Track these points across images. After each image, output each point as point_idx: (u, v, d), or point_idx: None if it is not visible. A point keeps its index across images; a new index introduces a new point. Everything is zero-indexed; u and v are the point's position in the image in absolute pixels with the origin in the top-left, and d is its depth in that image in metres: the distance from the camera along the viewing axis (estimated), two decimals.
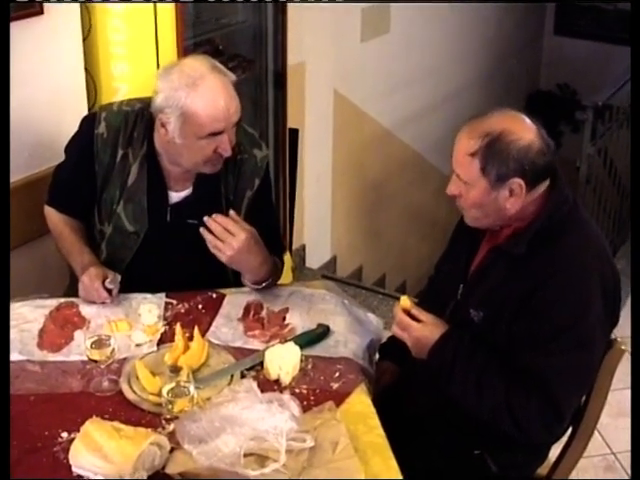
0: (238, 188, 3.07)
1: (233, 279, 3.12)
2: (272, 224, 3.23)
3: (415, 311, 2.61)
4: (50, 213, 3.19)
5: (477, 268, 2.67)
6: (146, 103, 2.98)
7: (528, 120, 2.51)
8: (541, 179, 2.50)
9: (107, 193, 3.05)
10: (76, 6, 3.53)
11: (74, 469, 2.23)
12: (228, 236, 2.79)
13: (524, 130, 2.47)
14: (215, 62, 2.93)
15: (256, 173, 3.08)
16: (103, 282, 2.91)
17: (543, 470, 2.86)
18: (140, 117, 3.01)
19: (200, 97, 2.78)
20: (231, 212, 2.85)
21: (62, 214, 3.16)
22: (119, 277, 2.93)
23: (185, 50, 3.84)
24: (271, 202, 3.27)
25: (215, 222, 2.79)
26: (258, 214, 3.08)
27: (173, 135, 2.86)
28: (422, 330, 2.59)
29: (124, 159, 3.02)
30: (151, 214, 3.04)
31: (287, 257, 5.02)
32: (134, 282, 2.98)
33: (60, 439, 2.35)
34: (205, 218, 2.79)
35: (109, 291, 2.92)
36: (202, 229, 2.79)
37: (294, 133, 5.00)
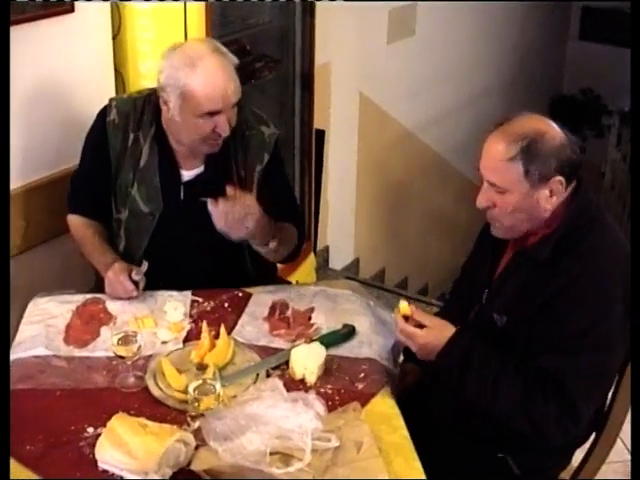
0: (248, 163, 3.08)
1: (250, 257, 3.14)
2: (287, 196, 3.22)
3: (417, 316, 2.57)
4: (73, 220, 3.21)
5: (501, 273, 2.64)
6: (154, 89, 3.01)
7: (551, 122, 2.49)
8: (575, 176, 2.48)
9: (121, 178, 3.07)
10: (106, 4, 3.54)
11: (99, 464, 2.23)
12: (244, 216, 2.78)
13: (553, 129, 2.45)
14: (219, 44, 2.96)
15: (264, 148, 3.09)
16: (129, 275, 2.92)
17: (565, 475, 2.84)
18: (148, 101, 3.05)
19: (198, 77, 2.81)
20: (228, 190, 2.81)
21: (84, 218, 3.18)
22: (145, 265, 2.92)
23: None
24: (284, 176, 3.25)
25: (236, 197, 2.79)
26: (270, 187, 3.09)
27: (173, 113, 2.89)
28: (427, 337, 2.55)
29: (135, 142, 3.05)
30: (165, 193, 3.06)
31: (311, 257, 5.02)
32: (153, 268, 2.96)
33: (86, 434, 2.35)
34: (210, 202, 2.78)
35: (136, 284, 2.92)
36: (212, 209, 2.79)
37: (320, 134, 4.98)
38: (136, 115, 3.05)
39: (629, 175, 6.22)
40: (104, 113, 3.08)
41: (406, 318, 2.58)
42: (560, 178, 2.43)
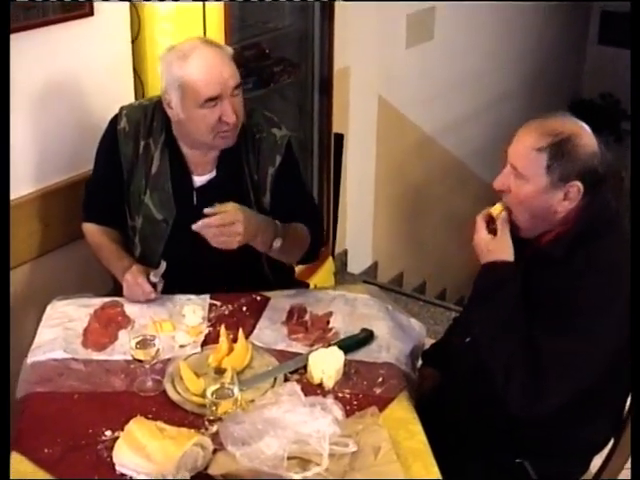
0: (260, 166, 3.06)
1: (267, 260, 3.13)
2: (301, 197, 3.19)
3: (498, 223, 2.56)
4: (88, 228, 3.22)
5: (522, 270, 2.62)
6: None
7: (589, 129, 2.48)
8: (594, 188, 2.46)
9: (134, 185, 3.07)
10: (125, 8, 3.54)
11: (117, 467, 2.22)
12: (229, 228, 2.73)
13: (590, 137, 2.45)
14: (210, 38, 3.00)
15: (276, 150, 3.06)
16: (147, 278, 2.92)
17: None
18: (158, 108, 3.04)
19: (192, 65, 2.82)
20: (205, 210, 2.75)
21: (99, 226, 3.19)
22: (164, 266, 2.91)
23: (233, 54, 3.82)
24: (298, 177, 3.21)
25: (208, 227, 2.72)
26: (284, 189, 3.08)
27: (177, 111, 2.90)
28: (487, 242, 2.56)
29: (146, 149, 3.05)
30: (177, 200, 3.05)
31: (329, 261, 5.00)
32: (170, 274, 2.96)
33: (104, 437, 2.34)
34: (194, 227, 2.72)
35: (154, 286, 2.92)
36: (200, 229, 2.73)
37: (339, 138, 4.97)
38: (146, 122, 3.05)
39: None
40: (115, 121, 3.08)
41: (491, 218, 2.58)
42: (579, 184, 2.42)
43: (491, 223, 2.59)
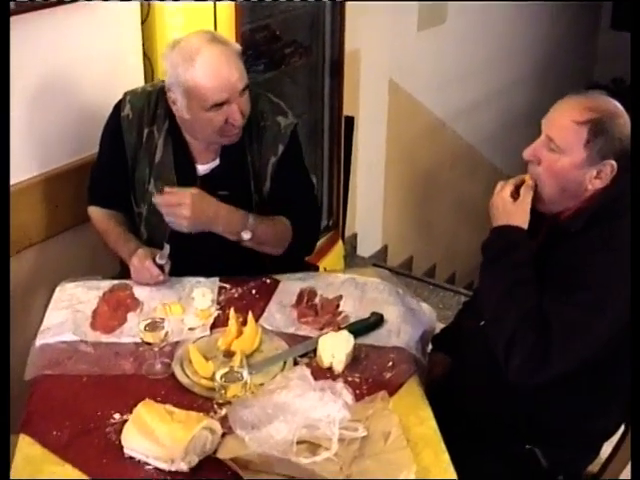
0: (262, 155, 3.04)
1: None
2: (301, 188, 3.16)
3: (523, 189, 2.54)
4: (93, 212, 3.21)
5: (539, 245, 2.59)
6: None
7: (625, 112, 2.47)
8: (625, 170, 2.44)
9: (138, 173, 3.06)
10: None
11: (126, 450, 2.22)
12: (175, 209, 2.80)
13: (627, 119, 2.43)
14: (216, 34, 2.93)
15: (279, 139, 3.04)
16: (153, 260, 2.91)
17: (594, 468, 2.80)
18: (162, 94, 3.00)
19: (198, 70, 2.77)
20: (166, 188, 2.87)
21: (105, 209, 3.18)
22: (167, 248, 2.90)
23: (242, 35, 3.81)
24: (299, 167, 3.18)
25: (160, 204, 2.83)
26: (284, 179, 3.06)
27: (182, 111, 2.87)
28: (505, 203, 2.54)
29: (150, 137, 3.03)
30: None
31: (339, 244, 5.00)
32: (177, 261, 2.96)
33: (112, 420, 2.34)
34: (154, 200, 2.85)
35: (161, 268, 2.91)
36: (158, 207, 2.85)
37: (350, 121, 4.95)
38: (150, 109, 3.03)
39: None
40: (119, 108, 3.06)
41: (518, 187, 2.56)
42: (613, 163, 2.40)
43: (515, 191, 2.56)
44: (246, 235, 2.91)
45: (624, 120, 2.42)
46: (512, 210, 2.53)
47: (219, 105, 2.80)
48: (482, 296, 2.60)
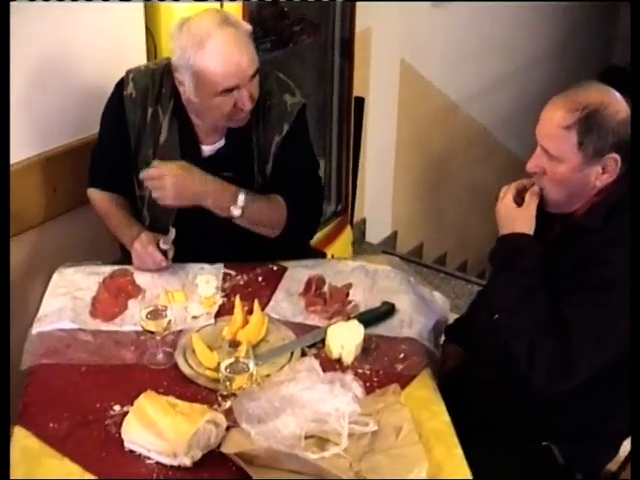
0: (266, 134, 3.02)
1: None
2: (304, 170, 3.14)
3: (528, 195, 2.53)
4: (94, 195, 3.19)
5: (550, 247, 2.58)
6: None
7: (618, 94, 2.43)
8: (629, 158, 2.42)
9: (141, 154, 3.04)
10: None
11: (126, 444, 2.21)
12: (159, 180, 2.82)
13: (619, 103, 2.40)
14: (227, 14, 2.89)
15: (285, 118, 3.02)
16: (157, 245, 2.90)
17: (613, 466, 2.79)
18: (167, 73, 2.98)
19: (208, 56, 2.75)
20: (154, 161, 2.91)
21: (106, 192, 3.16)
22: (173, 232, 2.89)
23: (250, 12, 3.78)
24: (304, 148, 3.16)
25: (145, 179, 2.87)
26: (287, 159, 3.04)
27: (189, 94, 2.86)
28: (509, 210, 2.54)
29: (154, 117, 3.02)
30: None
31: (347, 230, 4.98)
32: (181, 245, 2.95)
33: (112, 412, 2.33)
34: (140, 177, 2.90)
35: (164, 254, 2.90)
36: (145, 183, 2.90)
37: (360, 102, 4.93)
38: (154, 88, 3.01)
39: None
40: (121, 86, 3.04)
41: (524, 189, 2.56)
42: (616, 156, 2.38)
43: (518, 196, 2.55)
44: (236, 211, 2.90)
45: (614, 108, 2.38)
46: (516, 216, 2.53)
47: (229, 90, 2.79)
48: (495, 303, 2.59)
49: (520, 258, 2.47)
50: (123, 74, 3.04)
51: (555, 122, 2.40)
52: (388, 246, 6.06)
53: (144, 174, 2.86)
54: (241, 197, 2.89)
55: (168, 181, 2.80)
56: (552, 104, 2.44)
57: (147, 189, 2.97)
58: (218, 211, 2.90)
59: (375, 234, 6.00)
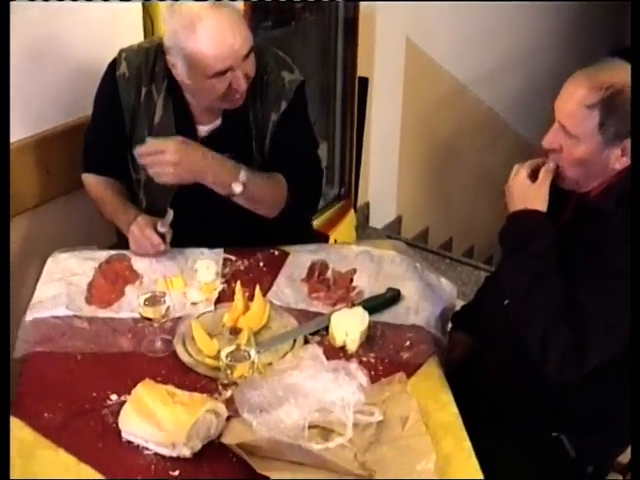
0: (263, 111, 3.01)
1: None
2: (302, 150, 3.12)
3: (542, 171, 2.50)
4: (88, 180, 3.18)
5: (563, 230, 2.56)
6: None
7: None
8: None
9: (136, 136, 3.02)
10: None
11: (124, 434, 2.20)
12: (159, 156, 2.79)
13: None
14: None
15: (282, 95, 3.00)
16: (154, 229, 2.89)
17: (624, 458, 2.79)
18: (160, 51, 2.96)
19: (200, 39, 2.72)
20: (147, 138, 2.88)
21: (100, 176, 3.15)
22: (171, 214, 2.88)
23: None
24: (303, 127, 3.15)
25: (142, 154, 2.82)
26: (284, 138, 3.03)
27: (182, 77, 2.84)
28: (523, 186, 2.51)
29: (149, 97, 3.00)
30: None
31: (351, 214, 4.97)
32: (179, 228, 2.93)
33: (109, 402, 2.33)
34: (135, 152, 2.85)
35: (162, 237, 2.89)
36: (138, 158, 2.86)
37: (364, 83, 4.91)
38: (148, 67, 3.00)
39: None
40: (114, 66, 3.02)
41: (538, 168, 2.52)
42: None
43: (532, 174, 2.52)
44: (237, 188, 2.87)
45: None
46: (530, 193, 2.50)
47: (222, 73, 2.77)
48: (505, 288, 2.56)
49: (532, 239, 2.44)
50: (117, 51, 3.02)
51: (577, 99, 2.36)
52: (392, 231, 6.05)
53: (140, 149, 2.83)
54: (242, 173, 2.87)
55: (167, 157, 2.77)
56: (575, 80, 2.40)
57: (143, 171, 2.96)
58: (218, 188, 2.88)
59: (379, 219, 5.99)
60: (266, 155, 3.03)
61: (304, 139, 3.15)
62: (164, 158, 2.77)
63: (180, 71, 2.82)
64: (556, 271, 2.40)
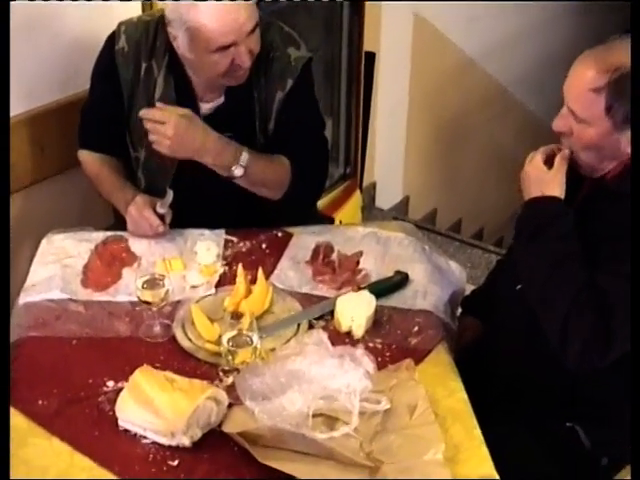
0: (268, 89, 3.00)
1: None
2: (308, 130, 3.11)
3: (557, 158, 2.49)
4: (84, 157, 3.17)
5: (579, 208, 2.55)
6: None
7: None
8: None
9: (135, 112, 3.00)
10: None
11: (120, 422, 2.20)
12: (159, 126, 2.78)
13: None
14: None
15: (288, 73, 2.99)
16: (153, 209, 2.89)
17: None
18: (161, 25, 2.94)
19: (203, 11, 2.70)
20: (157, 103, 2.88)
21: (97, 154, 3.14)
22: (171, 194, 2.87)
23: None
24: (309, 106, 3.14)
25: (145, 118, 2.81)
26: (290, 118, 3.01)
27: (183, 50, 2.83)
28: (540, 171, 2.49)
29: (148, 72, 2.99)
30: None
31: (357, 194, 4.96)
32: (179, 208, 2.93)
33: (105, 388, 2.33)
34: (140, 113, 2.84)
35: (161, 218, 2.88)
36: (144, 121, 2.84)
37: (370, 58, 4.89)
38: (148, 42, 2.98)
39: None
40: (112, 40, 3.01)
41: (553, 154, 2.52)
42: None
43: (547, 161, 2.51)
44: (238, 171, 2.87)
45: None
46: (547, 179, 2.48)
47: (225, 47, 2.75)
48: (524, 276, 2.54)
49: (555, 224, 2.43)
50: (114, 26, 3.00)
51: (584, 83, 2.34)
52: (399, 212, 6.05)
53: (146, 112, 2.82)
54: (244, 155, 2.86)
55: (169, 128, 2.76)
56: (582, 61, 2.38)
57: (142, 149, 2.95)
58: (219, 170, 2.88)
59: (385, 199, 5.99)
60: (270, 135, 3.02)
61: (310, 119, 3.13)
62: (163, 130, 2.77)
63: (181, 44, 2.80)
64: (578, 256, 2.39)
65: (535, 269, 2.45)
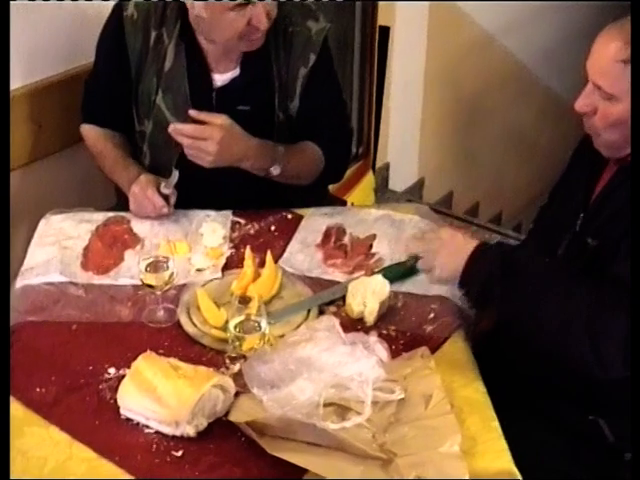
0: (290, 65, 3.00)
1: None
2: (333, 106, 3.14)
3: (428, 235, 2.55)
4: (87, 131, 3.18)
5: (601, 193, 2.54)
6: None
7: None
8: None
9: (143, 84, 3.02)
10: None
11: (122, 411, 2.21)
12: (200, 143, 2.76)
13: None
14: None
15: (310, 47, 3.00)
16: (158, 189, 2.88)
17: None
18: None
19: None
20: (191, 112, 2.82)
21: (101, 129, 3.14)
22: (176, 175, 2.87)
23: None
24: (333, 81, 3.16)
25: (181, 134, 2.77)
26: (315, 94, 3.03)
27: (198, 9, 2.80)
28: (454, 236, 2.50)
29: (158, 41, 2.98)
30: (194, 102, 2.98)
31: (369, 176, 4.96)
32: (185, 187, 2.93)
33: (107, 375, 2.33)
34: (170, 129, 2.78)
35: (166, 199, 2.88)
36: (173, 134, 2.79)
37: (385, 32, 4.88)
38: (158, 9, 2.97)
39: None
40: (120, 7, 3.00)
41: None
42: None
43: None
44: (275, 171, 2.91)
45: None
46: (458, 242, 2.49)
47: (243, 5, 2.73)
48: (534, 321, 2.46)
49: (506, 266, 2.39)
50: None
51: (610, 55, 2.33)
52: (414, 195, 6.05)
53: (180, 127, 2.79)
54: (281, 155, 2.90)
55: (212, 145, 2.75)
56: (606, 34, 2.36)
57: (148, 121, 2.95)
58: (256, 172, 2.91)
59: (399, 181, 5.99)
60: (291, 113, 3.03)
61: (334, 97, 3.16)
62: (205, 146, 2.76)
63: (197, 3, 2.78)
64: (556, 268, 2.41)
65: (521, 308, 2.42)
